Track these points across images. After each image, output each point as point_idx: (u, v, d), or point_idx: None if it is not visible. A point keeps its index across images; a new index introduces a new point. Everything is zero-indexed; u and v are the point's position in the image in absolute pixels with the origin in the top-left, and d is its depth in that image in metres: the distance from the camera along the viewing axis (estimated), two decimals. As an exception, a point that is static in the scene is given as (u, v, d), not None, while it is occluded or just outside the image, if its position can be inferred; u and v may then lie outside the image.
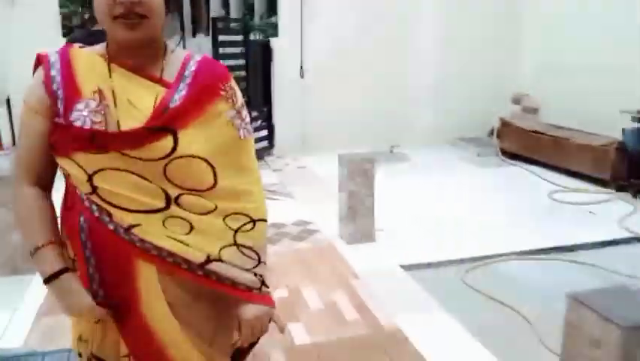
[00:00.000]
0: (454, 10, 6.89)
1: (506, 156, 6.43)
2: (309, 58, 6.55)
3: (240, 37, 6.31)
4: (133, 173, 1.14)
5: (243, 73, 6.23)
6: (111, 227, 1.16)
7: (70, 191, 1.23)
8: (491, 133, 7.11)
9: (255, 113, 6.45)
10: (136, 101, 1.16)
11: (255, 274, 1.23)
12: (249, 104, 6.26)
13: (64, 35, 5.96)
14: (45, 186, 1.24)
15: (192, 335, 1.23)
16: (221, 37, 6.06)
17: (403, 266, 3.43)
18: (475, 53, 7.00)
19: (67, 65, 1.18)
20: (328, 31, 6.50)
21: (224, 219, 1.19)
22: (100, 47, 1.21)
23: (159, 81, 1.18)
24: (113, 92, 1.16)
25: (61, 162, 1.17)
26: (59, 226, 1.25)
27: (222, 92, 1.21)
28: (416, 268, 3.42)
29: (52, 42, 5.70)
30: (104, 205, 1.15)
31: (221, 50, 6.06)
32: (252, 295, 1.23)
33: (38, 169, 1.21)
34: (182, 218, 1.17)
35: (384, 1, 6.69)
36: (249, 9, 19.91)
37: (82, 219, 1.18)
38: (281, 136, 6.68)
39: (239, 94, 1.26)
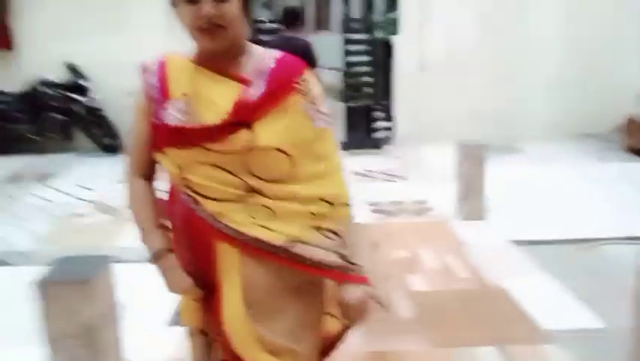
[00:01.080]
0: (577, 6, 6.90)
1: (632, 152, 6.34)
2: (429, 53, 6.95)
3: (364, 36, 6.90)
4: (216, 166, 1.23)
5: (366, 69, 6.81)
6: (201, 214, 1.26)
7: (170, 182, 1.36)
8: (615, 129, 6.99)
9: (376, 106, 7.02)
10: (217, 99, 1.25)
11: (339, 254, 1.27)
12: (373, 97, 6.85)
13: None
14: (148, 177, 1.38)
15: (264, 327, 1.28)
16: (347, 36, 6.71)
17: (512, 241, 3.79)
18: (599, 51, 6.94)
19: (162, 71, 1.31)
20: (447, 28, 6.83)
21: (304, 205, 1.26)
22: (191, 52, 1.33)
23: (239, 79, 1.27)
24: (198, 92, 1.27)
25: (158, 157, 1.31)
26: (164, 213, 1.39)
27: (296, 85, 1.27)
28: (525, 243, 3.76)
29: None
30: (194, 195, 1.26)
31: (347, 48, 6.70)
32: (345, 275, 1.28)
33: (143, 163, 1.36)
34: (263, 205, 1.25)
35: (505, -3, 6.91)
36: (368, 5, 20.53)
37: (178, 207, 1.32)
38: (400, 126, 7.16)
39: (315, 86, 1.32)
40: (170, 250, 1.33)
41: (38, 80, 6.65)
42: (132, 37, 6.62)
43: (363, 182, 5.47)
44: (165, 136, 1.26)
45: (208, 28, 1.20)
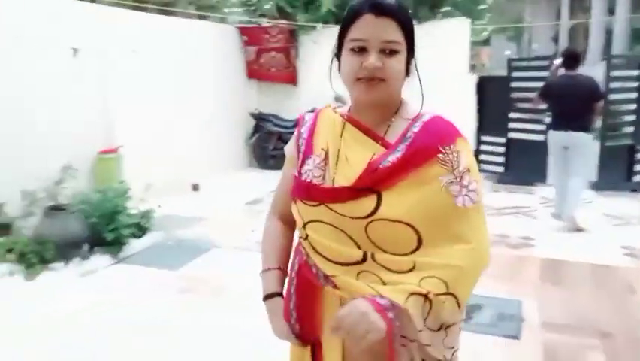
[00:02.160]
0: None
1: None
2: None
3: (631, 72, 6.43)
4: (337, 228, 1.16)
5: (630, 107, 6.34)
6: (314, 271, 1.22)
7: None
8: None
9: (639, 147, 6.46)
10: (353, 160, 1.18)
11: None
12: (636, 137, 6.34)
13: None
14: (287, 221, 1.36)
15: None
16: (610, 73, 6.35)
17: None
18: None
19: (314, 125, 1.30)
20: None
21: (420, 281, 1.09)
22: (347, 106, 1.30)
23: (381, 141, 1.19)
24: (338, 150, 1.22)
25: (292, 207, 1.28)
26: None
27: (440, 155, 1.13)
28: None
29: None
30: (311, 251, 1.21)
31: (610, 85, 6.35)
32: (377, 304, 1.06)
33: (284, 207, 1.35)
34: (375, 274, 1.13)
35: None
36: (637, 37, 18.44)
37: (297, 259, 1.30)
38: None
39: (465, 158, 1.15)
40: (279, 294, 1.33)
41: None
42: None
43: (618, 225, 5.14)
44: (297, 189, 1.25)
45: (368, 79, 1.16)
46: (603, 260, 4.16)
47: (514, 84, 6.82)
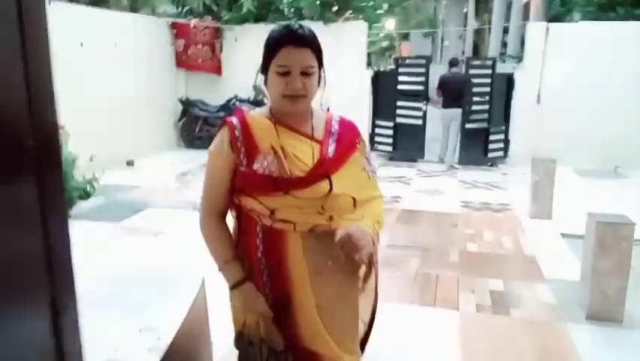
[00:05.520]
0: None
1: None
2: (546, 87, 7.95)
3: (488, 71, 8.13)
4: (300, 207, 1.45)
5: (486, 98, 8.03)
6: (285, 229, 1.47)
7: (244, 219, 1.54)
8: None
9: (493, 129, 8.18)
10: (300, 155, 1.48)
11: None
12: (490, 123, 8.06)
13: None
14: (223, 216, 1.56)
15: (335, 334, 1.51)
16: (472, 71, 8.03)
17: (561, 233, 4.88)
18: None
19: (246, 128, 1.49)
20: (566, 65, 7.79)
21: (361, 218, 1.51)
22: (265, 110, 1.54)
23: (311, 138, 1.51)
24: (283, 148, 1.47)
25: (246, 201, 1.48)
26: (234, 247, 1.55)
27: (358, 145, 1.56)
28: (569, 237, 4.79)
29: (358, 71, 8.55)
30: (280, 222, 1.47)
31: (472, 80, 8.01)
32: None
33: (221, 205, 1.54)
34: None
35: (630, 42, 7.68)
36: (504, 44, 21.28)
37: (257, 240, 1.51)
38: (514, 149, 8.22)
39: (367, 144, 1.63)
40: (248, 279, 1.53)
41: (233, 97, 9.09)
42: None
43: (467, 189, 6.78)
44: (260, 184, 1.45)
45: (292, 96, 1.44)
46: (444, 209, 5.71)
47: (400, 78, 8.33)
